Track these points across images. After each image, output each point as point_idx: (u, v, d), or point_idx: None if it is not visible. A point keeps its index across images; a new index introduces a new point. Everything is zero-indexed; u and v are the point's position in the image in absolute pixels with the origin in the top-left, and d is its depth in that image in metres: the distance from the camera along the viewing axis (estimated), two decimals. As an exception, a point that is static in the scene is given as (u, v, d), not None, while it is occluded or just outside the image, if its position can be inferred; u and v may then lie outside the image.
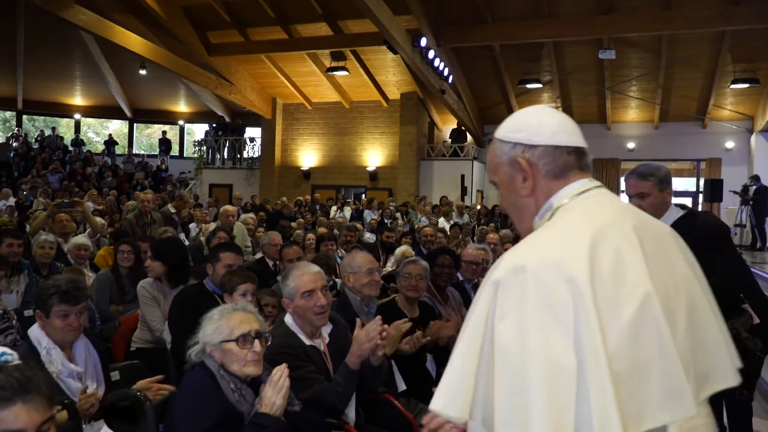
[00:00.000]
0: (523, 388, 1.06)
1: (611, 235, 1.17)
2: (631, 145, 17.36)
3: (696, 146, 16.82)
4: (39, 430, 1.47)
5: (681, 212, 2.73)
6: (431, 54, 12.88)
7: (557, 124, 1.36)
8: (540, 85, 15.62)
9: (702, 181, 16.80)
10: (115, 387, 2.80)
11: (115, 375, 2.89)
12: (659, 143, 17.01)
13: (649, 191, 2.74)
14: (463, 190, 16.96)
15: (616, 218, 1.23)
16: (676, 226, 2.69)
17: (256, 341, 2.16)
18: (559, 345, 1.06)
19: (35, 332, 2.65)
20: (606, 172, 17.32)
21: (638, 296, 1.12)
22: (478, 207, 15.29)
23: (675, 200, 2.90)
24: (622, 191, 17.83)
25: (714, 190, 13.49)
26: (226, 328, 2.13)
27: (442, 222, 12.06)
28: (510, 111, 17.11)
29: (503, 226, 11.33)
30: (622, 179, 17.65)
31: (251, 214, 8.72)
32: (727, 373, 1.28)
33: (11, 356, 1.52)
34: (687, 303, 1.24)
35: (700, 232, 2.53)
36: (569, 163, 1.32)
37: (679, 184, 19.67)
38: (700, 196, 17.01)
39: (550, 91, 16.48)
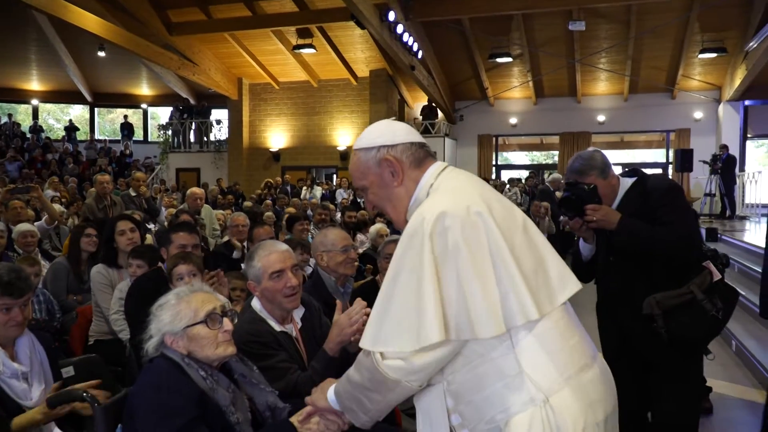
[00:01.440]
0: (464, 294, 1.40)
1: (482, 189, 1.56)
2: (601, 117, 17.36)
3: (665, 117, 16.88)
4: None
5: (629, 181, 2.67)
6: (400, 29, 12.59)
7: (406, 128, 1.69)
8: (510, 59, 15.45)
9: (672, 152, 16.91)
10: (70, 383, 2.54)
11: (69, 371, 2.64)
12: (629, 115, 17.04)
13: (595, 183, 2.63)
14: (436, 168, 16.79)
15: (477, 181, 1.62)
16: (630, 195, 2.61)
17: (225, 319, 1.92)
18: (482, 261, 1.41)
19: (-29, 330, 2.38)
20: (577, 146, 17.29)
21: (520, 220, 1.54)
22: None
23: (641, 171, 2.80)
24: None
25: (684, 160, 13.57)
26: (189, 311, 1.88)
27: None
28: (481, 86, 17.12)
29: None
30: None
31: (220, 211, 8.48)
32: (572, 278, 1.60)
33: None
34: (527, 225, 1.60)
35: (651, 197, 2.55)
36: (422, 154, 1.64)
37: (649, 155, 19.82)
38: (670, 167, 17.14)
39: (521, 65, 16.34)
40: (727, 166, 13.15)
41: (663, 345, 2.50)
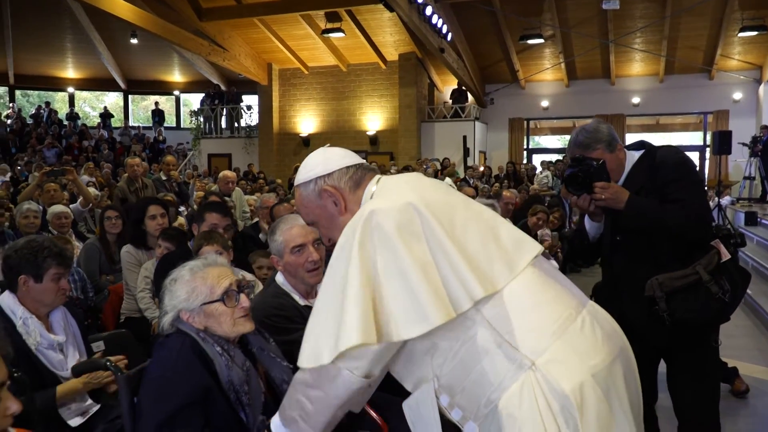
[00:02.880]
0: (409, 288, 1.34)
1: (416, 183, 1.55)
2: (635, 99, 16.97)
3: (702, 99, 16.43)
4: None
5: (636, 154, 2.54)
6: (429, 11, 12.46)
7: (340, 153, 1.67)
8: (542, 41, 15.18)
9: (709, 135, 16.46)
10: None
11: (99, 345, 2.70)
12: (664, 97, 16.63)
13: (602, 158, 2.50)
14: (466, 152, 16.67)
15: (410, 178, 1.61)
16: (637, 170, 2.48)
17: (242, 295, 1.90)
18: (420, 251, 1.37)
19: (8, 300, 2.45)
20: (611, 129, 16.95)
21: (460, 201, 1.52)
22: (482, 168, 15.04)
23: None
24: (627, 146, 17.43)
25: (722, 142, 13.13)
26: (205, 288, 1.86)
27: (448, 181, 11.82)
28: (512, 69, 16.89)
29: (508, 186, 11.10)
30: (628, 135, 17.32)
31: (252, 197, 8.53)
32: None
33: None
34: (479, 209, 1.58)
35: (660, 171, 2.42)
36: (360, 174, 1.61)
37: (685, 138, 19.35)
38: (707, 149, 16.70)
39: (553, 47, 16.05)
40: (767, 148, 12.76)
41: (666, 330, 2.36)
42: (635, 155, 2.54)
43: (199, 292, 1.86)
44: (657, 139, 18.96)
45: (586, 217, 2.69)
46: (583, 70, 17.02)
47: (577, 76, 17.26)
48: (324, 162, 1.63)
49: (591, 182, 2.45)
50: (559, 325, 1.39)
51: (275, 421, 1.55)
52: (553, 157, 16.91)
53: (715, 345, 2.51)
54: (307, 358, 1.40)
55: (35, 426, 1.89)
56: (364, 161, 1.68)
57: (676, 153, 2.51)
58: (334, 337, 1.35)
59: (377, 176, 1.62)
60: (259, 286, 3.46)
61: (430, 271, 1.36)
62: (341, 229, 1.51)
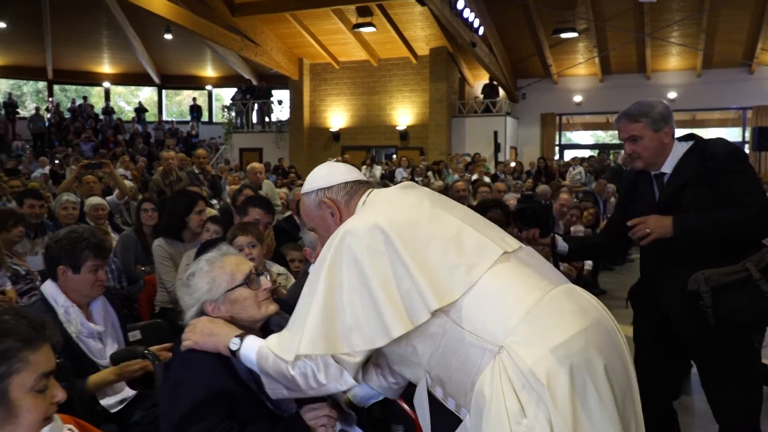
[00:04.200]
0: (373, 304, 1.49)
1: (391, 201, 1.70)
2: (672, 94, 16.62)
3: (742, 93, 16.02)
4: None
5: (686, 145, 2.46)
6: (460, 4, 12.39)
7: (341, 169, 1.83)
8: (575, 35, 14.96)
9: (748, 130, 16.05)
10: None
11: (136, 334, 2.74)
12: (702, 92, 16.26)
13: (641, 133, 2.43)
14: (497, 147, 16.54)
15: (390, 194, 1.75)
16: (687, 161, 2.39)
17: (262, 278, 1.91)
18: (382, 268, 1.51)
19: (50, 289, 2.50)
20: (645, 124, 16.64)
21: (425, 214, 1.62)
22: (513, 164, 14.90)
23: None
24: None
25: (762, 138, 12.84)
26: (225, 276, 1.86)
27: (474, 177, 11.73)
28: (544, 63, 16.68)
29: (541, 182, 10.98)
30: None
31: (283, 190, 8.60)
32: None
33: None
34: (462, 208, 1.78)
35: (711, 163, 2.33)
36: (356, 188, 1.77)
37: (723, 134, 18.86)
38: (747, 146, 16.28)
39: (586, 41, 15.81)
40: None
41: (707, 329, 2.25)
42: (684, 146, 2.46)
43: (221, 281, 1.86)
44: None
45: (559, 239, 2.77)
46: (617, 65, 16.74)
47: (612, 71, 16.97)
48: (326, 176, 1.80)
49: (538, 220, 2.57)
50: (524, 307, 1.47)
51: (246, 354, 1.68)
52: (586, 153, 16.69)
53: (758, 347, 2.45)
54: (280, 348, 1.61)
55: (76, 411, 1.93)
56: (363, 177, 1.85)
57: (727, 145, 2.43)
58: (297, 342, 1.54)
59: (368, 191, 1.76)
60: (291, 279, 3.49)
61: (391, 287, 1.50)
62: None
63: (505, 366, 1.41)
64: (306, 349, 1.52)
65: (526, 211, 2.70)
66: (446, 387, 1.53)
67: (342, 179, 1.77)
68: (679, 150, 2.46)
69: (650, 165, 2.49)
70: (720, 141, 2.46)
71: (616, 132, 2.59)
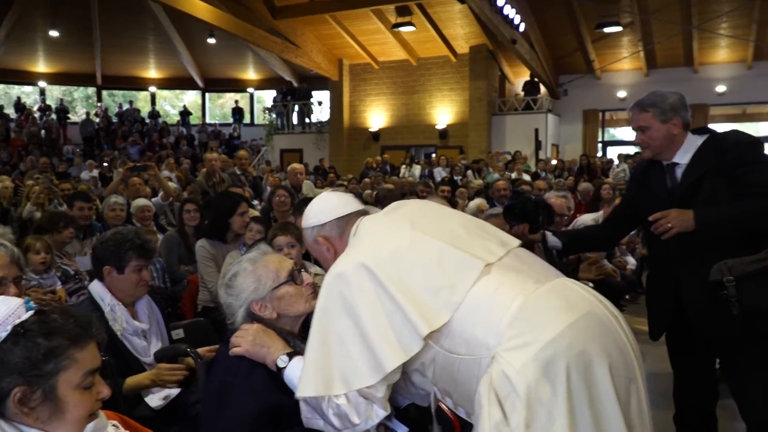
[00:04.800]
0: (366, 343, 1.55)
1: (377, 233, 1.75)
2: (721, 88, 16.10)
3: (796, 86, 15.40)
4: None
5: (701, 138, 2.44)
6: (501, 1, 12.26)
7: (335, 203, 1.90)
8: (620, 29, 14.60)
9: (803, 124, 15.44)
10: (181, 346, 2.70)
11: (179, 333, 2.80)
12: (753, 84, 15.69)
13: (649, 123, 2.43)
14: (538, 144, 16.31)
15: (376, 224, 1.80)
16: (703, 152, 2.36)
17: (304, 274, 1.96)
18: (371, 305, 1.56)
19: (97, 288, 2.57)
20: (693, 119, 16.02)
21: (405, 241, 1.66)
22: (554, 161, 14.66)
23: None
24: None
25: (818, 132, 12.34)
26: (270, 274, 1.88)
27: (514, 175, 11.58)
28: (587, 58, 16.38)
29: (583, 180, 10.78)
30: (711, 126, 16.35)
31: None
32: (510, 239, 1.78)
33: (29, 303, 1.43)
34: (457, 217, 1.85)
35: (729, 153, 2.32)
36: (347, 220, 1.85)
37: (773, 128, 18.20)
38: (801, 140, 15.68)
39: (631, 35, 15.44)
40: None
41: (730, 320, 2.21)
42: (699, 139, 2.45)
43: (267, 279, 1.87)
44: (744, 129, 17.88)
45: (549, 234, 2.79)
46: (663, 58, 16.29)
47: (657, 65, 16.53)
48: (320, 213, 1.88)
49: (527, 215, 2.62)
50: (510, 313, 1.48)
51: (290, 377, 1.72)
52: (631, 150, 16.28)
53: None
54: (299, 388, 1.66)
55: (120, 408, 1.98)
56: (355, 206, 1.91)
57: (745, 135, 2.43)
58: (303, 383, 1.62)
59: (357, 221, 1.84)
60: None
61: (381, 321, 1.56)
62: None
63: (492, 374, 1.43)
64: (302, 392, 1.60)
65: (515, 207, 2.73)
66: (454, 397, 1.60)
67: (334, 215, 1.86)
68: (694, 142, 2.44)
69: (659, 155, 2.49)
70: (736, 132, 2.45)
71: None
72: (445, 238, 1.66)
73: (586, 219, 5.16)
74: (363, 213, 1.88)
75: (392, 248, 1.66)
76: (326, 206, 1.89)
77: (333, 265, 1.70)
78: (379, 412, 1.58)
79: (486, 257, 1.61)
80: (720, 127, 2.62)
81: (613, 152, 17.28)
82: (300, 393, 1.61)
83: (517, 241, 1.75)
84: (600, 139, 18.09)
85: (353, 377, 1.56)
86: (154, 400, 2.47)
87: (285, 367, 1.72)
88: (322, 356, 1.59)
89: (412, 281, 1.58)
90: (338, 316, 1.59)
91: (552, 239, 2.83)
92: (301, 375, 1.63)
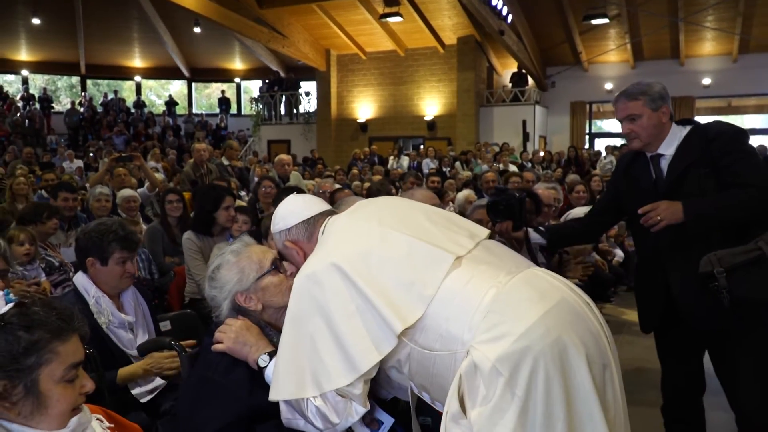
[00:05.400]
0: (339, 344, 1.55)
1: (345, 230, 1.73)
2: (706, 80, 16.21)
3: (781, 79, 15.53)
4: None
5: (685, 129, 2.45)
6: (489, -8, 12.23)
7: (300, 205, 1.89)
8: (606, 20, 14.62)
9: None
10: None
11: (166, 325, 2.77)
12: (738, 77, 15.81)
13: (640, 112, 2.42)
14: (525, 136, 16.35)
15: (343, 222, 1.78)
16: (688, 143, 2.38)
17: (285, 263, 1.93)
18: (343, 304, 1.55)
19: (81, 280, 2.54)
20: (679, 112, 16.25)
21: (375, 237, 1.64)
22: (542, 153, 14.71)
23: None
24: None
25: (802, 124, 12.47)
26: (253, 264, 1.86)
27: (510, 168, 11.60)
28: (574, 50, 16.42)
29: (571, 171, 10.82)
30: (697, 118, 16.47)
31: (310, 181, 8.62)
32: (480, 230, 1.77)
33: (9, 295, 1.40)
34: (425, 211, 1.80)
35: (715, 143, 2.33)
36: (314, 221, 1.84)
37: (759, 121, 18.37)
38: (785, 132, 15.83)
39: (618, 27, 15.49)
40: None
41: (719, 312, 2.22)
42: (683, 130, 2.45)
43: (250, 269, 1.86)
44: (729, 121, 18.03)
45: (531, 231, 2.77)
46: (650, 51, 16.37)
47: (644, 57, 16.60)
48: (286, 217, 1.88)
49: (512, 212, 2.60)
50: (483, 306, 1.47)
51: (270, 376, 1.70)
52: (618, 142, 16.36)
53: None
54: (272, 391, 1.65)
55: (105, 401, 1.96)
56: (321, 207, 1.89)
57: (730, 126, 2.44)
58: (276, 386, 1.62)
59: (325, 221, 1.83)
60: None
61: (355, 321, 1.54)
62: None
63: (463, 366, 1.44)
64: (274, 395, 1.60)
65: (499, 204, 2.70)
66: (431, 392, 1.59)
67: (300, 218, 1.85)
68: (678, 133, 2.45)
69: (647, 145, 2.48)
70: (721, 123, 2.46)
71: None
72: (414, 232, 1.65)
73: (578, 212, 5.17)
74: (330, 213, 1.88)
75: (361, 246, 1.64)
76: (292, 209, 1.89)
77: (303, 266, 1.69)
78: (359, 409, 1.58)
79: (455, 250, 1.60)
80: (706, 120, 2.63)
81: (600, 144, 17.36)
82: (272, 396, 1.61)
83: (486, 231, 1.75)
84: (587, 131, 18.16)
85: (325, 379, 1.55)
86: (143, 393, 2.45)
87: (266, 367, 1.71)
88: (294, 358, 1.58)
89: (383, 278, 1.57)
90: (310, 317, 1.58)
91: (534, 236, 2.81)
92: (273, 378, 1.62)
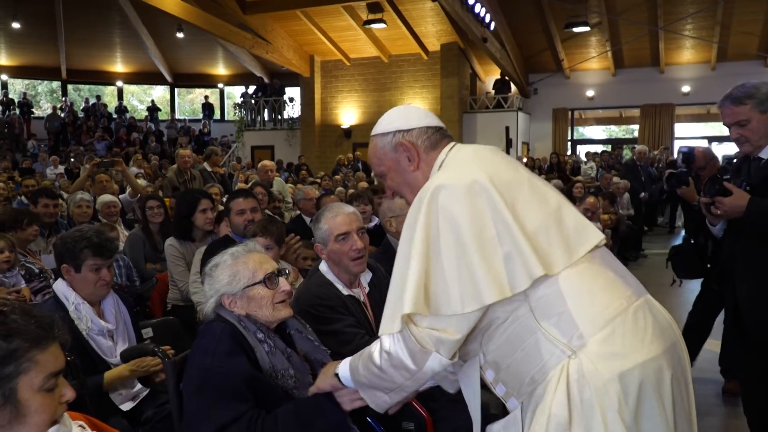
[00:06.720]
0: (468, 267, 1.38)
1: (486, 158, 1.55)
2: (686, 88, 16.43)
3: (758, 87, 15.79)
4: None
5: None
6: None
7: (421, 113, 1.70)
8: (588, 29, 14.82)
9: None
10: (149, 344, 2.65)
11: (148, 332, 2.76)
12: (717, 85, 15.95)
13: (748, 116, 2.37)
14: (508, 143, 16.44)
15: (482, 151, 1.60)
16: None
17: (281, 279, 1.92)
18: (482, 229, 1.39)
19: (61, 287, 2.51)
20: (660, 119, 16.47)
21: (524, 180, 1.50)
22: (525, 159, 14.82)
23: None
24: (677, 138, 16.97)
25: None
26: (247, 272, 1.87)
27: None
28: (556, 58, 16.57)
29: (553, 178, 10.91)
30: (677, 125, 16.78)
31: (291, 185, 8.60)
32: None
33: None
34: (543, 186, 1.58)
35: None
36: (438, 137, 1.64)
37: (738, 128, 18.60)
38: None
39: (599, 35, 15.67)
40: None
41: None
42: None
43: (242, 276, 1.87)
44: (708, 129, 18.33)
45: (707, 222, 2.62)
46: (630, 59, 16.58)
47: (625, 65, 16.81)
48: (406, 117, 1.67)
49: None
50: (608, 315, 1.39)
51: (344, 374, 1.62)
52: (599, 148, 16.54)
53: None
54: (382, 327, 1.48)
55: (86, 409, 1.93)
56: (444, 126, 1.69)
57: None
58: (399, 306, 1.42)
59: (452, 144, 1.64)
60: (300, 279, 3.49)
61: (491, 249, 1.39)
62: (409, 185, 1.64)
63: (570, 373, 1.34)
64: (409, 308, 1.39)
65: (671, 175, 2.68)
66: (501, 373, 1.46)
67: (422, 123, 1.65)
68: None
69: (758, 148, 2.41)
70: None
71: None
72: (561, 198, 1.53)
73: None
74: (450, 137, 1.68)
75: (511, 177, 1.49)
76: (412, 113, 1.70)
77: (434, 178, 1.51)
78: (443, 361, 1.41)
79: (597, 235, 1.49)
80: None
81: (582, 150, 17.53)
82: (406, 309, 1.39)
83: (602, 236, 1.55)
84: (570, 138, 18.32)
85: (444, 302, 1.39)
86: (125, 402, 2.43)
87: (337, 373, 1.65)
88: (423, 277, 1.40)
89: (529, 218, 1.42)
90: (443, 233, 1.41)
91: None
92: (405, 295, 1.41)
